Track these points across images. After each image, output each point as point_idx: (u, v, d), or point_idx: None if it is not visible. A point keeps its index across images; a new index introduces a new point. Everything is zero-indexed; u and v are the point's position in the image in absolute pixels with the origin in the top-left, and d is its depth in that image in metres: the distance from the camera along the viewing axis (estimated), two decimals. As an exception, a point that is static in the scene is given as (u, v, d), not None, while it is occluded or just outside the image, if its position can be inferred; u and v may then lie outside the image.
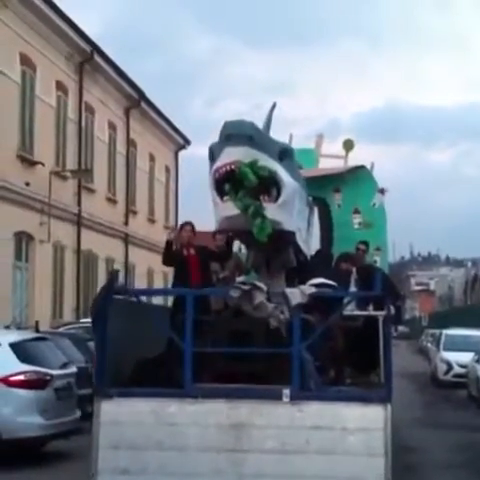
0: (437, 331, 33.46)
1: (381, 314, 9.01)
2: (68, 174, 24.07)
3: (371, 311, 10.06)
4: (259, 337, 8.33)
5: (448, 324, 35.46)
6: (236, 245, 11.90)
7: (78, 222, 25.20)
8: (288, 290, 8.28)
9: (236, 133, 8.31)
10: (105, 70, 27.50)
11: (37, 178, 21.56)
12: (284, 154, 8.90)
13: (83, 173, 24.93)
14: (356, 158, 13.87)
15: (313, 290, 8.28)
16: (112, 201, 28.71)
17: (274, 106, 9.84)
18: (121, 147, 29.88)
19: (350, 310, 9.98)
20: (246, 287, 8.16)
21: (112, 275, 8.44)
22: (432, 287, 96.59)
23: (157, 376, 8.29)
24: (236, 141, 8.33)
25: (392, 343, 8.75)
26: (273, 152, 8.68)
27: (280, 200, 8.74)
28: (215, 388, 8.09)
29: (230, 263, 11.01)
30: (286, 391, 7.87)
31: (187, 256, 9.81)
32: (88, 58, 25.28)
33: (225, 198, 8.68)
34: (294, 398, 7.85)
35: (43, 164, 21.81)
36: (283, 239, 9.33)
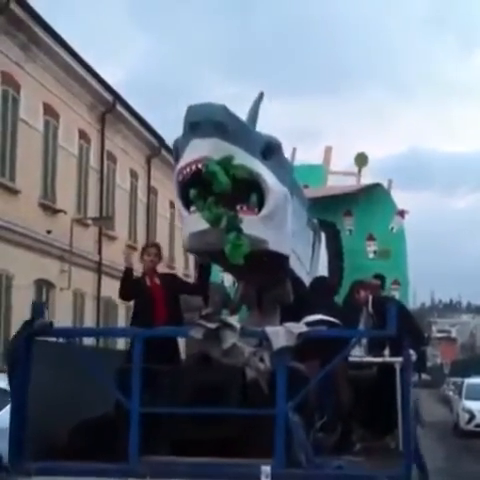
0: (459, 379, 33.16)
1: (398, 360, 7.25)
2: (89, 222, 24.08)
3: (387, 356, 8.24)
4: (231, 393, 6.21)
5: (470, 372, 34.92)
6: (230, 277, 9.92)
7: (98, 269, 25.06)
8: (270, 329, 6.15)
9: (203, 120, 6.29)
10: (127, 119, 27.50)
11: (59, 226, 21.76)
12: (270, 150, 6.84)
13: (104, 221, 24.87)
14: (371, 174, 11.87)
15: (304, 329, 6.15)
16: (133, 248, 28.10)
17: (261, 96, 7.81)
18: (142, 195, 29.89)
19: (360, 355, 8.27)
20: (212, 325, 6.03)
21: (34, 308, 6.24)
22: (454, 334, 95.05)
23: (98, 445, 6.18)
24: (203, 131, 6.31)
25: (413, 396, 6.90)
26: (254, 147, 6.64)
27: (263, 211, 6.69)
28: (170, 463, 5.97)
29: (215, 297, 8.94)
30: (266, 468, 5.75)
31: (151, 287, 7.73)
32: (110, 108, 25.55)
33: (192, 209, 6.66)
34: (276, 477, 5.71)
35: (65, 212, 21.98)
36: (271, 264, 7.27)
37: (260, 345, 6.19)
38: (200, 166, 6.33)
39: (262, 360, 6.06)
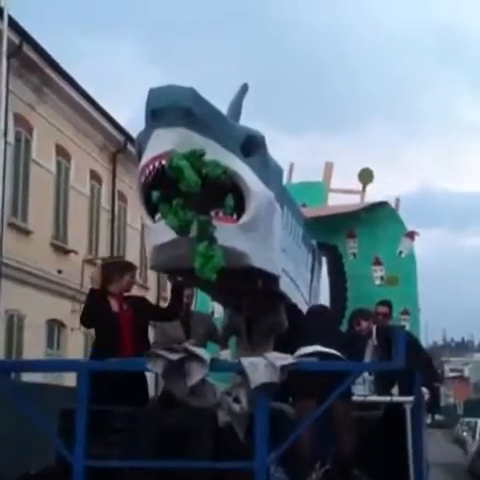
0: (473, 420, 32.51)
1: (409, 400, 6.41)
2: (100, 262, 23.09)
3: (396, 395, 7.17)
4: (200, 442, 4.99)
5: (484, 413, 35.07)
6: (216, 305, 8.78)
7: (109, 309, 24.46)
8: (247, 361, 4.93)
9: (166, 106, 5.16)
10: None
11: (70, 266, 21.66)
12: (252, 146, 5.67)
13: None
14: (377, 192, 10.72)
15: (289, 360, 4.93)
16: (144, 288, 27.66)
17: (245, 88, 6.66)
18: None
19: (364, 394, 7.19)
20: (173, 356, 4.81)
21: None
22: (466, 373, 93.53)
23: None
24: (167, 119, 5.19)
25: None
26: (231, 140, 5.49)
27: (243, 218, 5.52)
28: None
29: (198, 328, 7.80)
30: None
31: (118, 313, 6.56)
32: (121, 148, 25.53)
33: (157, 216, 5.50)
34: None
35: (76, 252, 21.96)
36: (257, 286, 6.11)
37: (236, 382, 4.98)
38: (164, 162, 5.19)
39: (237, 400, 4.84)
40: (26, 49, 18.40)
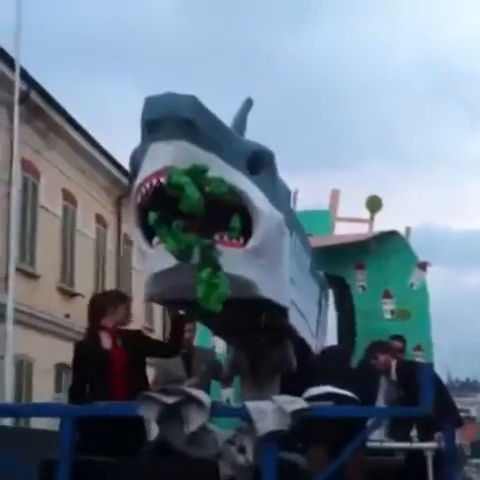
0: None
1: (431, 447, 5.85)
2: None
3: (415, 440, 6.44)
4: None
5: (491, 453, 34.13)
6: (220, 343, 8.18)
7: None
8: (253, 405, 4.31)
9: (164, 117, 4.61)
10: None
11: (77, 309, 21.07)
12: (259, 162, 5.11)
13: None
14: (386, 222, 10.18)
15: (302, 405, 4.32)
16: (149, 330, 27.30)
17: (249, 103, 6.11)
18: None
19: (381, 439, 6.61)
20: (169, 400, 4.19)
21: None
22: (473, 414, 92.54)
23: None
24: (165, 132, 4.62)
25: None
26: (237, 156, 4.93)
27: (251, 243, 4.93)
28: None
29: (201, 365, 7.23)
30: None
31: (111, 351, 5.94)
32: (126, 191, 25.47)
33: (155, 241, 4.92)
34: None
35: (83, 295, 21.40)
36: (265, 318, 5.54)
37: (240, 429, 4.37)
38: (162, 180, 4.62)
39: (242, 450, 4.23)
40: (33, 96, 18.73)
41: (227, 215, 4.79)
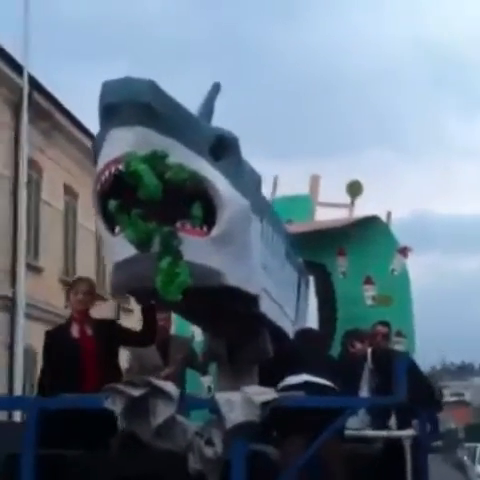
0: (473, 445, 32.37)
1: (408, 435, 5.74)
2: (107, 296, 23.98)
3: (393, 428, 6.42)
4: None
5: (485, 437, 32.67)
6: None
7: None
8: (222, 397, 4.20)
9: (121, 101, 4.47)
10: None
11: None
12: (223, 148, 4.98)
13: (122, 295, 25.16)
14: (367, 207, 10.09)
15: (272, 395, 4.21)
16: (127, 310, 26.32)
17: (217, 87, 5.97)
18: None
19: (358, 427, 6.41)
20: (135, 392, 4.07)
21: None
22: (467, 398, 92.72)
23: None
24: (123, 117, 4.49)
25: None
26: (199, 141, 4.81)
27: (214, 230, 4.82)
28: None
29: (176, 353, 7.11)
30: None
31: (78, 339, 5.83)
32: None
33: (117, 230, 4.80)
34: None
35: None
36: (234, 307, 5.43)
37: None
38: (121, 167, 4.49)
39: (211, 443, 4.11)
40: (36, 96, 19.18)
41: (190, 202, 4.67)
